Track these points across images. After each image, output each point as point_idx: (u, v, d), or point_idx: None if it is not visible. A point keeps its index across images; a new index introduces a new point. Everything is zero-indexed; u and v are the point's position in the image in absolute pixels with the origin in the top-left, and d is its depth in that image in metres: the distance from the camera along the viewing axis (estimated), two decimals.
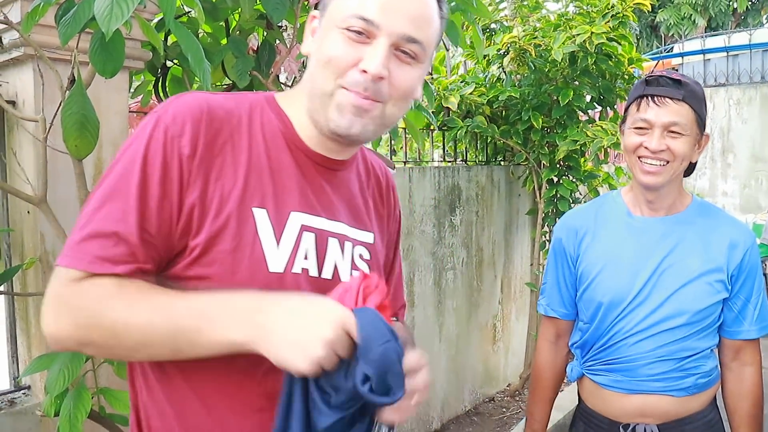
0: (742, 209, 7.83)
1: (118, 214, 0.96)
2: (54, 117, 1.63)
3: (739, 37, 8.64)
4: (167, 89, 2.29)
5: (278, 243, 1.02)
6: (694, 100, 1.64)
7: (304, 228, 1.05)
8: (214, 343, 0.93)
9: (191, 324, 0.92)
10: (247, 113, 1.07)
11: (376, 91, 1.01)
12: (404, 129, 3.44)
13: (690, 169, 1.75)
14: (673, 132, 1.64)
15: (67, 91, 1.52)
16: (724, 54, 8.60)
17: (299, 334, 0.89)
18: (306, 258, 1.04)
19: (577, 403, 1.95)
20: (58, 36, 1.31)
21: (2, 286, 1.78)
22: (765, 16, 14.20)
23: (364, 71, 0.99)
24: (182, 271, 0.99)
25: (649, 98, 1.66)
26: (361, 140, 1.08)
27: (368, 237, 1.18)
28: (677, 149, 1.64)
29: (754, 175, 8.07)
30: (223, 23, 2.25)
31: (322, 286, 1.05)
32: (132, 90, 2.34)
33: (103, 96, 1.90)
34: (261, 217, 1.01)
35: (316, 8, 1.13)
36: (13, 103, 1.87)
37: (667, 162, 1.66)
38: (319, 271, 1.07)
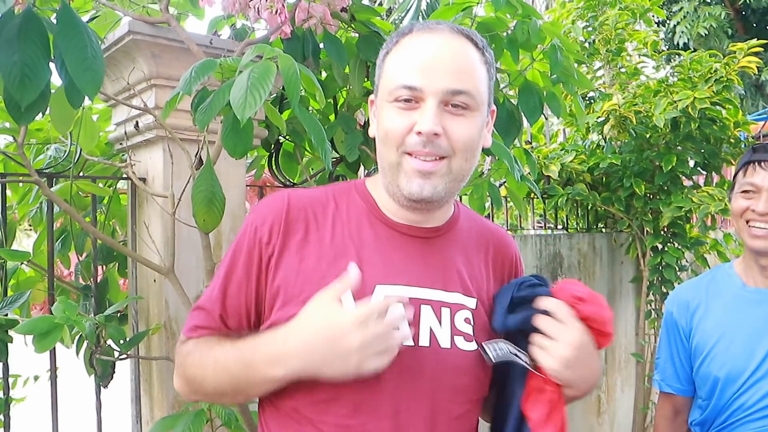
0: None
1: (209, 293, 1.19)
2: (182, 193, 1.76)
3: None
4: (279, 164, 2.42)
5: None
6: None
7: (392, 298, 1.05)
8: (264, 382, 1.05)
9: (240, 372, 1.06)
10: (333, 198, 1.18)
11: (436, 147, 1.06)
12: (505, 197, 3.47)
13: None
14: None
15: (196, 170, 1.65)
16: None
17: (327, 347, 0.99)
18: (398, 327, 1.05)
19: None
20: (193, 121, 1.44)
21: (130, 350, 1.90)
22: None
23: (419, 132, 1.05)
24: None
25: (756, 164, 1.66)
26: (436, 201, 1.11)
27: (471, 302, 1.18)
28: None
29: None
30: (331, 100, 2.38)
31: (420, 354, 1.08)
32: (248, 164, 2.49)
33: (223, 172, 2.04)
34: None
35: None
36: (143, 180, 2.04)
37: None
38: (416, 340, 1.08)
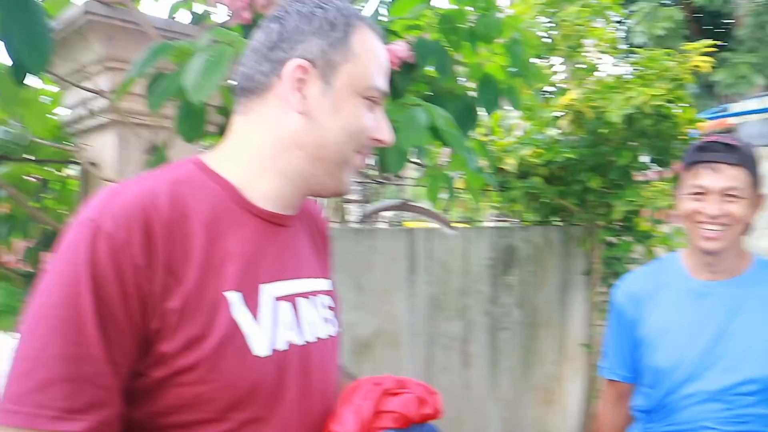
0: None
1: (73, 350, 0.83)
2: None
3: None
4: None
5: (257, 322, 0.97)
6: (749, 162, 1.68)
7: (277, 298, 1.01)
8: None
9: None
10: (188, 191, 0.97)
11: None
12: (461, 189, 3.49)
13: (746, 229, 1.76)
14: (729, 196, 1.66)
15: (149, 156, 1.62)
16: None
17: None
18: (287, 329, 1.01)
19: None
20: (147, 104, 1.41)
21: None
22: None
23: (379, 140, 1.06)
24: (156, 383, 0.90)
25: (705, 165, 1.68)
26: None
27: (326, 284, 1.17)
28: (736, 213, 1.66)
29: None
30: None
31: (308, 351, 1.04)
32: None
33: (177, 158, 2.01)
34: (234, 300, 0.94)
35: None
36: (95, 165, 1.98)
37: (726, 226, 1.67)
38: (304, 339, 1.05)
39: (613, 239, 4.28)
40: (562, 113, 3.95)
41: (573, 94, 3.82)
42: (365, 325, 3.11)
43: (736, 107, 9.13)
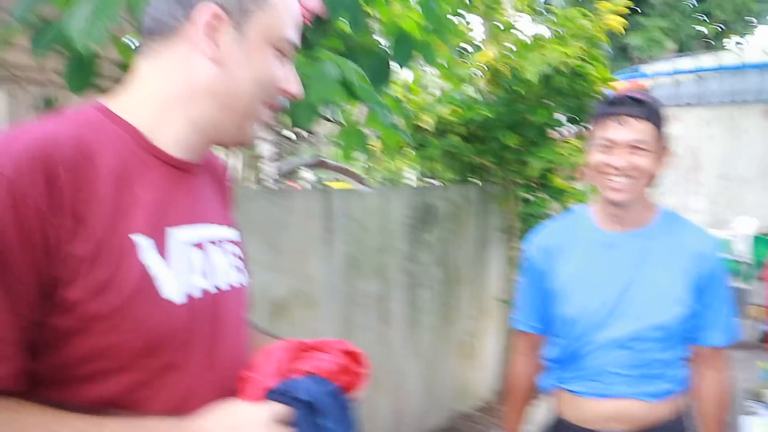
0: (710, 226, 7.89)
1: None
2: None
3: (708, 60, 8.83)
4: None
5: (169, 267, 0.93)
6: (655, 117, 1.71)
7: (187, 242, 0.98)
8: None
9: None
10: (92, 135, 0.92)
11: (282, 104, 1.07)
12: (378, 147, 3.47)
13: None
14: (636, 149, 1.69)
15: (41, 112, 1.52)
16: (694, 76, 8.77)
17: None
18: (199, 274, 0.98)
19: (551, 415, 1.97)
20: (33, 55, 1.31)
21: None
22: (728, 41, 14.50)
23: (290, 93, 1.04)
24: (64, 332, 0.86)
25: (612, 117, 1.71)
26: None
27: (233, 233, 1.15)
28: (642, 165, 1.70)
29: (722, 193, 8.22)
30: None
31: (219, 298, 1.02)
32: None
33: None
34: (143, 244, 0.90)
35: None
36: None
37: (633, 178, 1.71)
38: (215, 285, 1.02)
39: (530, 196, 4.36)
40: (479, 72, 3.95)
41: (490, 53, 3.82)
42: (280, 286, 3.07)
43: (647, 69, 9.39)
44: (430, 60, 2.63)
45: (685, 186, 8.43)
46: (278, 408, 0.93)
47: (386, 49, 2.54)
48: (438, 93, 4.31)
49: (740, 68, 8.33)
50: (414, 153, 4.22)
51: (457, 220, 4.36)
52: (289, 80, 1.04)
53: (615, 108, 1.72)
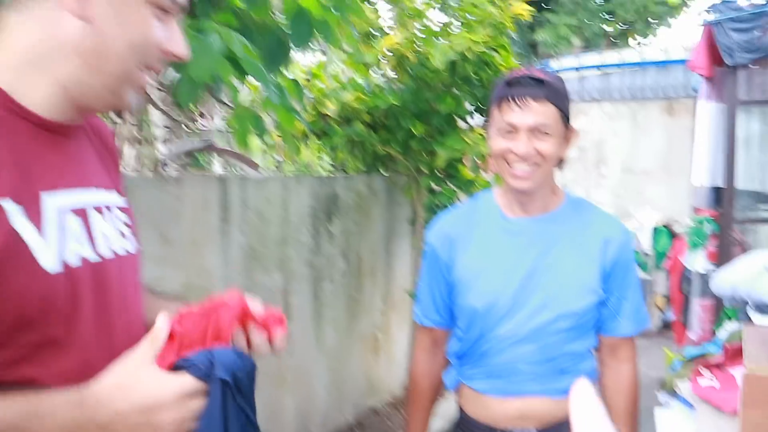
0: None
1: None
2: None
3: (611, 57, 9.05)
4: None
5: (42, 234, 0.87)
6: (557, 97, 1.60)
7: (64, 208, 0.92)
8: None
9: None
10: None
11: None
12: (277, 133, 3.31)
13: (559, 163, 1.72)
14: (539, 133, 1.59)
15: None
16: (598, 72, 8.97)
17: None
18: (79, 243, 0.93)
19: (456, 411, 1.88)
20: None
21: None
22: (632, 40, 15.05)
23: (174, 54, 0.97)
24: None
25: (512, 100, 1.60)
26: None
27: (120, 199, 1.09)
28: (546, 151, 1.60)
29: (625, 186, 8.45)
30: None
31: (104, 267, 0.96)
32: None
33: None
34: (11, 209, 0.84)
35: None
36: None
37: (537, 165, 1.61)
38: (97, 253, 0.96)
39: (436, 187, 4.29)
40: (385, 58, 3.84)
41: (396, 38, 3.71)
42: (172, 280, 2.87)
43: (554, 64, 9.55)
44: (332, 41, 2.49)
45: (589, 179, 8.63)
46: (189, 380, 0.89)
47: (284, 29, 2.39)
48: (344, 79, 4.17)
49: (641, 65, 8.58)
50: (318, 141, 4.07)
51: (362, 210, 4.24)
52: (173, 40, 0.96)
53: (514, 89, 1.60)
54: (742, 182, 3.03)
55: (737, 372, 2.19)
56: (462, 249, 1.77)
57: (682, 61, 8.07)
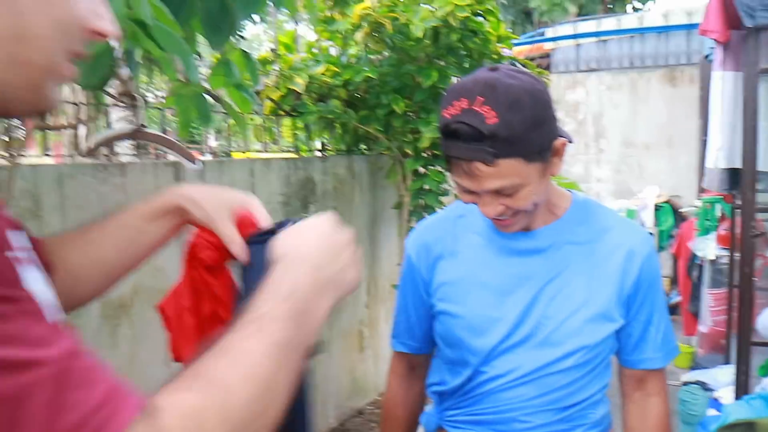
0: (615, 195, 7.82)
1: None
2: None
3: (609, 23, 8.65)
4: None
5: None
6: (513, 144, 1.15)
7: None
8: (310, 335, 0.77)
9: (282, 346, 0.70)
10: None
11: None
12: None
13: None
14: (504, 194, 1.21)
15: None
16: (595, 39, 8.58)
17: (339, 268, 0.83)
18: None
19: None
20: None
21: None
22: (629, 5, 14.62)
23: (102, 33, 0.73)
24: None
25: (456, 163, 1.20)
26: None
27: None
28: (519, 205, 1.22)
29: (626, 161, 8.09)
30: None
31: None
32: None
33: None
34: None
35: None
36: None
37: (516, 214, 1.25)
38: None
39: (423, 169, 3.91)
40: (359, 26, 3.44)
41: (369, 2, 3.32)
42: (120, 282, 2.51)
43: (550, 32, 9.15)
44: (285, 4, 2.11)
45: (589, 154, 8.26)
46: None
47: None
48: (317, 50, 3.78)
49: (640, 31, 8.19)
50: (290, 121, 3.69)
51: (342, 196, 3.88)
52: (99, 14, 0.74)
53: (454, 148, 1.17)
54: (762, 163, 2.66)
55: None
56: (444, 263, 1.42)
57: (685, 27, 7.73)
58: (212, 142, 8.11)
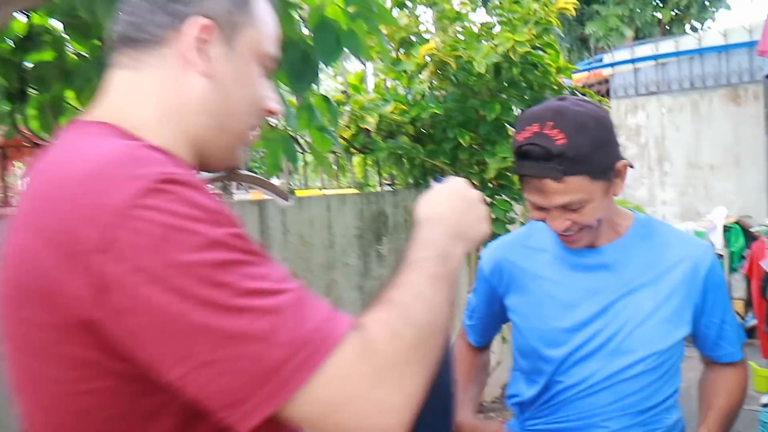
0: (681, 217, 7.72)
1: None
2: None
3: (666, 45, 8.62)
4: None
5: None
6: (582, 162, 1.28)
7: None
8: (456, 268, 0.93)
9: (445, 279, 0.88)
10: None
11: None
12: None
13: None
14: (571, 210, 1.33)
15: None
16: (653, 62, 8.57)
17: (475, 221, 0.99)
18: None
19: None
20: None
21: None
22: (687, 25, 14.47)
23: (273, 112, 0.98)
24: None
25: (529, 180, 1.33)
26: None
27: None
28: (585, 220, 1.34)
29: (691, 183, 8.00)
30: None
31: None
32: None
33: None
34: None
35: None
36: None
37: (581, 230, 1.37)
38: None
39: (489, 199, 4.04)
40: (424, 65, 3.62)
41: (433, 43, 3.49)
42: None
43: (608, 58, 9.17)
44: (360, 52, 2.29)
45: (652, 177, 8.21)
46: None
47: (310, 42, 2.21)
48: (384, 90, 3.97)
49: (699, 52, 8.14)
50: (362, 158, 3.87)
51: (411, 228, 4.03)
52: (271, 97, 0.98)
53: (526, 166, 1.32)
54: None
55: None
56: (516, 280, 1.54)
57: (746, 44, 7.65)
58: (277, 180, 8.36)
